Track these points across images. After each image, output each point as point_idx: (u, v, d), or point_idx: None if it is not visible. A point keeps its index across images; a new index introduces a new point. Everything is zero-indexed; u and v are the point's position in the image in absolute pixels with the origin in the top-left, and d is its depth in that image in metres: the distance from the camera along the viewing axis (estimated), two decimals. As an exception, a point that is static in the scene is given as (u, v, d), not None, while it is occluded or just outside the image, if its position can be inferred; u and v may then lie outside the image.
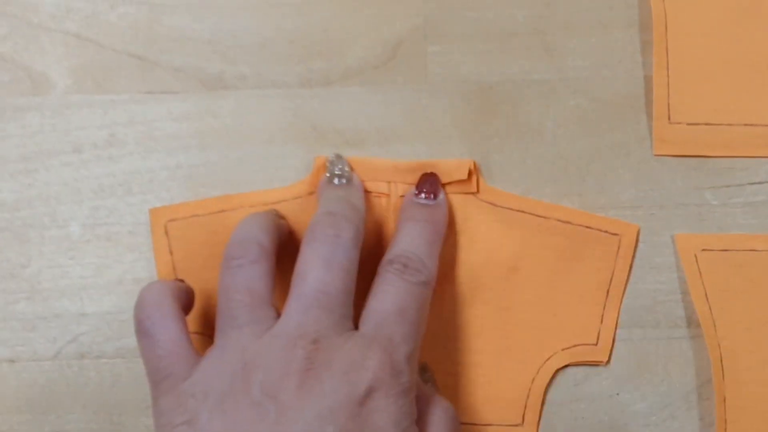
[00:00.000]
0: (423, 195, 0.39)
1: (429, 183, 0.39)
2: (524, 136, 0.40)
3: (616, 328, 0.40)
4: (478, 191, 0.40)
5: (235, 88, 0.40)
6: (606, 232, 0.40)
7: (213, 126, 0.40)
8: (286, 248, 0.38)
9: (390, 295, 0.35)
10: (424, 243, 0.37)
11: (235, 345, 0.34)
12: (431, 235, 0.38)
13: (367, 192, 0.40)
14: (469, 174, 0.40)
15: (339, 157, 0.39)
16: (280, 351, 0.33)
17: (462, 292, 0.40)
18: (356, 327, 0.35)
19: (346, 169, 0.39)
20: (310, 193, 0.40)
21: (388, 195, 0.40)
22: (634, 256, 0.40)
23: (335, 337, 0.34)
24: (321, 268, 0.35)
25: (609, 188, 0.40)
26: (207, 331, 0.39)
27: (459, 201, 0.40)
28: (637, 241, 0.40)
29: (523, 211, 0.40)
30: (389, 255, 0.37)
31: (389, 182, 0.40)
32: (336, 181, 0.39)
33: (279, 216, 0.39)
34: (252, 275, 0.35)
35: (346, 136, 0.40)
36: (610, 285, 0.40)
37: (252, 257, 0.35)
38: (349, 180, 0.39)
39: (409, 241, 0.37)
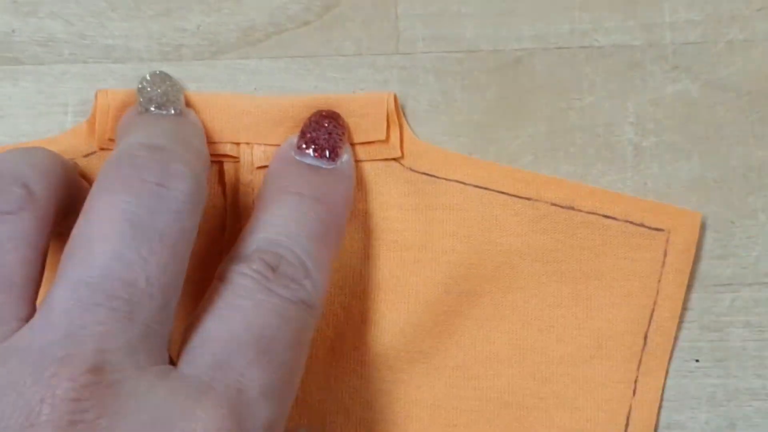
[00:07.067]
0: (311, 151, 0.25)
1: (324, 130, 0.25)
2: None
3: (660, 408, 0.25)
4: (402, 155, 0.25)
5: None
6: (643, 225, 0.24)
7: None
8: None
9: (243, 313, 0.22)
10: (308, 235, 0.23)
11: None
12: (321, 223, 0.24)
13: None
14: (388, 123, 0.25)
15: (162, 77, 0.25)
16: (25, 383, 0.19)
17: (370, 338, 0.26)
18: (174, 362, 0.22)
19: (178, 96, 0.25)
20: (87, 155, 0.26)
21: (235, 159, 0.26)
22: (694, 270, 0.25)
23: (132, 371, 0.20)
24: (122, 237, 0.21)
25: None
26: None
27: (372, 171, 0.25)
28: (700, 240, 0.25)
29: (484, 188, 0.25)
30: (243, 248, 0.23)
31: (238, 143, 0.26)
32: (154, 109, 0.25)
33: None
34: None
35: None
36: (649, 325, 0.24)
37: (6, 206, 0.22)
38: (180, 112, 0.25)
39: (282, 225, 0.23)
